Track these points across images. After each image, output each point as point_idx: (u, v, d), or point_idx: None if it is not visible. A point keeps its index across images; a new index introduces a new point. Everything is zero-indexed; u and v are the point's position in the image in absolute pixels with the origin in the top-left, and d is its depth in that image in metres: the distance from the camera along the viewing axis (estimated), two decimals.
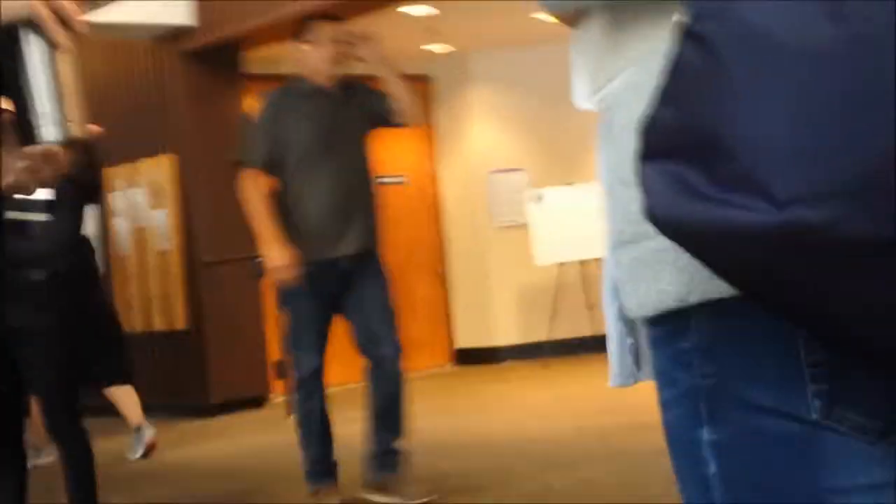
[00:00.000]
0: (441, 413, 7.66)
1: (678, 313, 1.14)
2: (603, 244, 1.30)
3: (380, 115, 5.21)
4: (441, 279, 10.55)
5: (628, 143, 1.13)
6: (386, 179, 10.29)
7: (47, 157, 1.45)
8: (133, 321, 9.26)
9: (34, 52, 1.43)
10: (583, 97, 1.31)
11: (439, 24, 9.05)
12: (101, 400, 9.18)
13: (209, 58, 8.81)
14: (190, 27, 8.69)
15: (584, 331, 9.78)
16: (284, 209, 4.85)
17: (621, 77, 1.18)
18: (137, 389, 9.32)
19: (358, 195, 5.01)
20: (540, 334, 9.83)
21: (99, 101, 9.41)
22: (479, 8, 8.60)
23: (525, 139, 10.39)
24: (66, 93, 1.44)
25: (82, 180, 4.27)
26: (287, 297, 4.92)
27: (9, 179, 1.46)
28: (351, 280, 4.96)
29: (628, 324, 1.30)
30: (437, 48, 9.98)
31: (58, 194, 4.17)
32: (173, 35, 8.81)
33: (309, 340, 4.96)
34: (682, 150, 0.94)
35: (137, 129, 9.18)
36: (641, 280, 1.15)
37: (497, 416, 7.25)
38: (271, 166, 4.87)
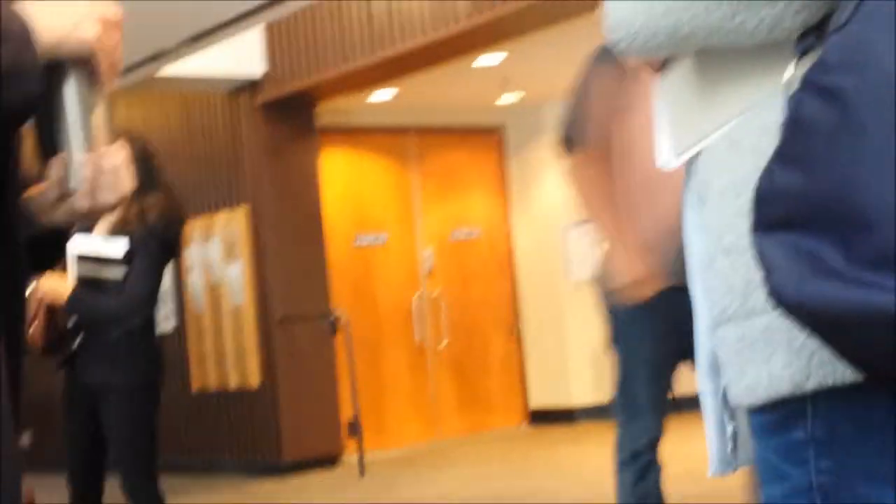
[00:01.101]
0: (517, 475, 7.51)
1: (791, 400, 1.02)
2: (697, 319, 1.20)
3: None
4: (515, 336, 10.42)
5: (731, 207, 1.03)
6: (460, 234, 10.24)
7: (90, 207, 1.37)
8: (207, 378, 9.26)
9: (78, 94, 1.33)
10: (668, 155, 1.20)
11: (511, 73, 9.01)
12: (174, 458, 9.20)
13: (283, 110, 8.87)
14: (264, 80, 8.75)
15: None
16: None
17: (717, 134, 1.08)
18: (212, 447, 9.36)
19: None
20: None
21: (174, 152, 9.50)
22: (550, 56, 8.54)
23: None
24: (100, 142, 1.38)
25: (166, 234, 4.24)
26: (624, 328, 3.62)
27: (46, 219, 1.39)
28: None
29: (728, 407, 1.19)
30: (510, 98, 9.94)
31: (138, 249, 4.14)
32: (247, 87, 8.87)
33: (652, 395, 3.56)
34: (807, 221, 0.83)
35: (212, 181, 9.25)
36: (750, 362, 1.04)
37: (575, 480, 7.07)
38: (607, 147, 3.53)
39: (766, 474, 1.08)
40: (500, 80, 9.15)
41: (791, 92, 0.87)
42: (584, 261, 10.08)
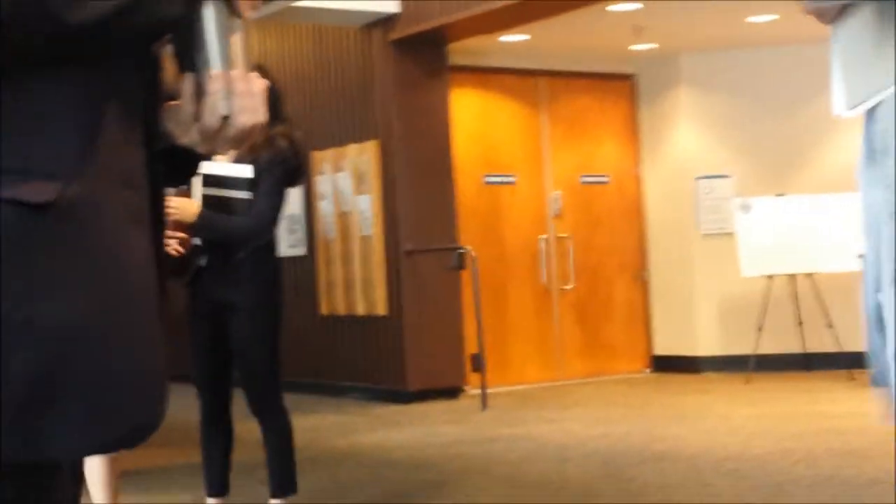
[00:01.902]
0: (637, 419, 7.47)
1: None
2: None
3: None
4: (642, 283, 10.33)
5: None
6: (589, 179, 10.15)
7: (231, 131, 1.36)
8: (336, 303, 9.41)
9: (218, 23, 1.35)
10: (844, 105, 1.15)
11: (646, 22, 8.85)
12: (301, 376, 9.38)
13: (416, 47, 8.85)
14: (398, 16, 8.74)
15: (792, 347, 9.41)
16: None
17: None
18: (338, 370, 9.54)
19: None
20: (743, 347, 9.50)
21: (308, 85, 9.59)
22: (688, 7, 8.35)
23: (734, 145, 10.04)
24: (242, 68, 1.37)
25: (292, 161, 4.28)
26: None
27: (186, 139, 1.39)
28: None
29: None
30: (644, 47, 9.76)
31: (264, 173, 4.19)
32: (382, 23, 8.88)
33: None
34: None
35: (344, 115, 9.31)
36: None
37: (695, 429, 7.00)
38: None
39: None
40: (633, 28, 9.00)
41: None
42: (713, 212, 9.91)
